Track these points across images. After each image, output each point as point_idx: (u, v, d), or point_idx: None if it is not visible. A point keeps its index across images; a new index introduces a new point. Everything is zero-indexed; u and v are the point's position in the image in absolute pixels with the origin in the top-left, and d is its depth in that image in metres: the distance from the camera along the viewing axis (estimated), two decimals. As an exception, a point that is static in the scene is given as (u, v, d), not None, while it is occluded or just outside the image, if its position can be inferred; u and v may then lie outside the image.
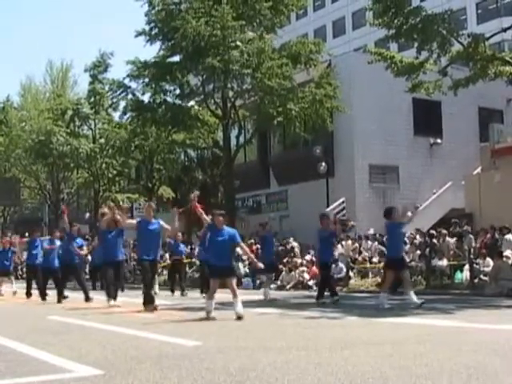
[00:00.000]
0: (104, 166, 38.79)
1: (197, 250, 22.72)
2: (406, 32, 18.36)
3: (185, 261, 21.92)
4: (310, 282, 21.67)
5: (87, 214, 46.52)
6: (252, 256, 13.19)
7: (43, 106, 47.12)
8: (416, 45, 18.74)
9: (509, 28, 20.24)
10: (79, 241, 18.14)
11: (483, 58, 18.50)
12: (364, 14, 28.01)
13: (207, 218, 11.38)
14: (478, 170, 26.59)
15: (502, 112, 32.39)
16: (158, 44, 28.87)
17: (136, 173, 43.12)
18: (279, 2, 28.29)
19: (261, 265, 12.37)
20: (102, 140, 40.34)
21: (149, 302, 12.44)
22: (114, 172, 39.57)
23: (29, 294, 18.67)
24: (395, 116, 29.50)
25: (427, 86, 19.48)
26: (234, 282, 10.81)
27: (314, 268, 22.02)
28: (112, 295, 14.08)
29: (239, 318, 10.10)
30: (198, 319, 10.56)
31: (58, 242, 17.94)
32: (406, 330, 8.84)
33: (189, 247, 25.53)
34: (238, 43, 26.45)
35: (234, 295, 10.42)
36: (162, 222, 12.98)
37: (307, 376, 5.16)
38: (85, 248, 19.87)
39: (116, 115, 35.15)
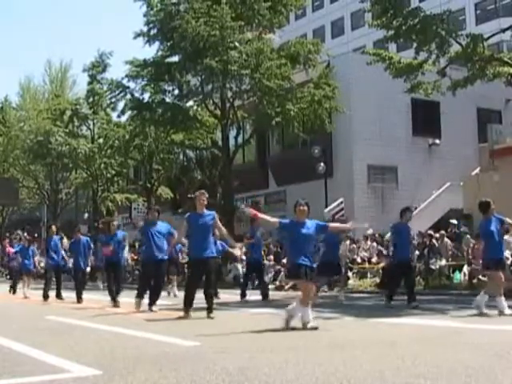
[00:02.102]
0: (103, 166, 38.76)
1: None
2: (405, 33, 18.39)
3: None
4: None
5: (86, 214, 46.51)
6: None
7: (42, 106, 47.08)
8: (415, 45, 18.77)
9: (507, 29, 20.27)
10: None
11: (482, 58, 18.53)
12: (363, 14, 28.07)
13: (273, 219, 9.44)
14: (477, 170, 26.60)
15: (501, 112, 32.44)
16: (156, 44, 28.91)
17: (135, 173, 43.13)
18: (278, 2, 28.31)
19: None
20: (101, 140, 40.34)
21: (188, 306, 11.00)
22: (113, 172, 39.55)
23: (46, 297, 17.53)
24: (394, 116, 29.53)
25: (426, 86, 19.51)
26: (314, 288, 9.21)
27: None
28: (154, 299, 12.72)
29: (309, 327, 8.59)
30: (197, 319, 10.55)
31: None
32: (404, 330, 8.85)
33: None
34: (237, 44, 26.45)
35: (304, 301, 8.78)
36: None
37: (306, 376, 5.17)
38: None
39: (114, 115, 35.09)
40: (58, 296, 17.47)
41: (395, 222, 13.52)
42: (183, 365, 5.88)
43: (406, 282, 13.27)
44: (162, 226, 12.87)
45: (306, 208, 8.98)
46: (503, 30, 20.83)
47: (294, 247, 8.92)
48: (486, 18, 52.32)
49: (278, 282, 22.01)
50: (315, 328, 8.47)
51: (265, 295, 15.85)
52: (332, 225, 9.91)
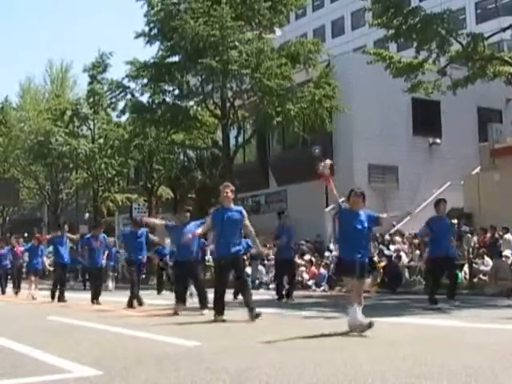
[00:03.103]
0: (103, 166, 38.76)
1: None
2: (405, 32, 18.41)
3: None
4: (310, 282, 21.70)
5: (86, 215, 46.54)
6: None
7: (42, 107, 47.10)
8: (415, 45, 18.78)
9: (508, 28, 20.27)
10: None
11: (482, 57, 18.54)
12: (363, 13, 28.04)
13: (336, 197, 8.51)
14: (477, 169, 26.60)
15: (501, 112, 32.39)
16: (157, 44, 28.91)
17: (135, 173, 43.12)
18: (278, 2, 28.27)
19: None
20: (101, 140, 40.34)
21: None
22: (113, 172, 39.55)
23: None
24: (394, 116, 29.50)
25: (426, 85, 19.53)
26: (366, 283, 8.43)
27: (313, 268, 22.06)
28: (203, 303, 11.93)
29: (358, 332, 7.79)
30: (197, 319, 10.55)
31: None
32: (404, 329, 8.84)
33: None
34: (237, 43, 26.45)
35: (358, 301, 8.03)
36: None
37: (307, 376, 5.16)
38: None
39: (115, 115, 35.10)
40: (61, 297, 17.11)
41: (431, 216, 12.73)
42: (184, 365, 5.87)
43: (447, 277, 12.67)
44: (193, 226, 11.85)
45: (361, 198, 8.32)
46: (503, 29, 20.84)
47: (346, 239, 8.24)
48: (487, 17, 52.29)
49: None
50: (365, 329, 7.67)
51: (289, 294, 15.53)
52: (383, 216, 9.05)
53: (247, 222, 10.48)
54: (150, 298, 16.30)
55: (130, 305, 13.72)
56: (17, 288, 21.63)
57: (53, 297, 17.26)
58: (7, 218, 52.75)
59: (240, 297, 15.07)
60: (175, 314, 11.53)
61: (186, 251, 11.73)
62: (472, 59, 18.65)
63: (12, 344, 7.67)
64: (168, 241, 16.59)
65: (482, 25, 48.37)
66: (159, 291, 20.96)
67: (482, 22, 51.88)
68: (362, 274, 7.97)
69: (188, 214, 12.18)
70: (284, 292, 15.88)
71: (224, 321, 9.93)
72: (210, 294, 11.85)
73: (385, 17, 18.45)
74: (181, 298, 11.98)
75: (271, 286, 21.74)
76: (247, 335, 8.38)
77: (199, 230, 10.94)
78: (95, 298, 15.69)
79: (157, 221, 13.99)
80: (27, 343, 7.59)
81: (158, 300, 16.46)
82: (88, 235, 17.71)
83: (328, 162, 8.45)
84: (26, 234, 25.54)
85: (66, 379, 5.33)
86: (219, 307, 10.18)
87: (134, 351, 6.92)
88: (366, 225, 8.17)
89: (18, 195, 46.25)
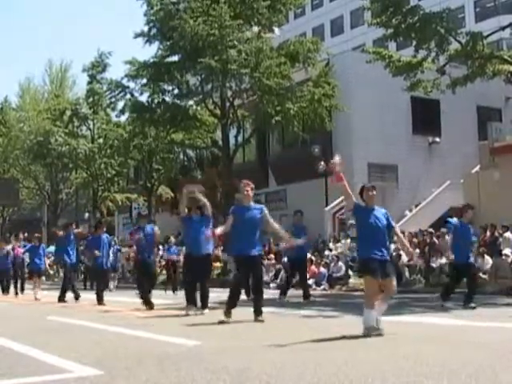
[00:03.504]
0: (103, 166, 38.76)
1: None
2: (404, 31, 18.41)
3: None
4: (310, 281, 21.68)
5: (86, 214, 46.51)
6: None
7: (42, 107, 47.10)
8: (414, 43, 18.78)
9: (507, 26, 20.29)
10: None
11: (481, 56, 18.54)
12: (362, 12, 28.06)
13: (351, 196, 8.18)
14: (477, 168, 26.61)
15: (501, 110, 32.39)
16: (156, 44, 28.92)
17: (135, 173, 43.13)
18: (277, 1, 28.25)
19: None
20: (101, 140, 40.34)
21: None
22: (113, 172, 39.55)
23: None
24: (394, 115, 29.50)
25: (425, 84, 19.53)
26: (394, 282, 7.88)
27: (313, 267, 22.06)
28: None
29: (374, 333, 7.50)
30: (198, 318, 10.54)
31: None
32: (405, 328, 8.83)
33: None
34: (236, 43, 26.44)
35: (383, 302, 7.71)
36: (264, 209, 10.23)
37: (307, 376, 5.16)
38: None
39: (114, 115, 35.12)
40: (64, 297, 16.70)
41: (455, 222, 12.66)
42: (185, 365, 5.87)
43: (467, 283, 12.53)
44: (203, 221, 11.53)
45: (375, 191, 8.05)
46: (503, 28, 20.86)
47: (365, 237, 7.85)
48: (486, 15, 52.25)
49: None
50: (379, 333, 7.42)
51: (306, 295, 15.20)
52: (397, 230, 8.65)
53: (270, 219, 10.06)
54: (153, 297, 16.24)
55: (147, 303, 13.08)
56: (19, 290, 21.39)
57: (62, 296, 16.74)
58: (7, 218, 52.75)
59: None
60: (187, 315, 11.14)
61: (201, 246, 11.28)
62: (471, 58, 18.66)
63: (12, 344, 7.66)
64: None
65: (481, 23, 48.32)
66: (174, 290, 20.55)
67: (481, 20, 51.83)
68: (386, 274, 7.58)
69: (199, 211, 11.69)
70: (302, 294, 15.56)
71: (224, 322, 9.64)
72: (212, 294, 11.83)
73: (384, 16, 18.46)
74: (191, 300, 11.46)
75: (271, 285, 21.78)
76: (247, 335, 8.38)
77: (219, 230, 10.39)
78: (100, 300, 15.14)
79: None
80: (27, 343, 7.59)
81: (158, 299, 16.44)
82: (90, 236, 17.35)
83: (337, 158, 8.24)
84: (25, 234, 25.47)
85: (67, 379, 5.33)
86: (230, 308, 9.74)
87: (135, 351, 6.92)
88: (384, 222, 7.89)
89: (18, 195, 46.22)
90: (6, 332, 8.98)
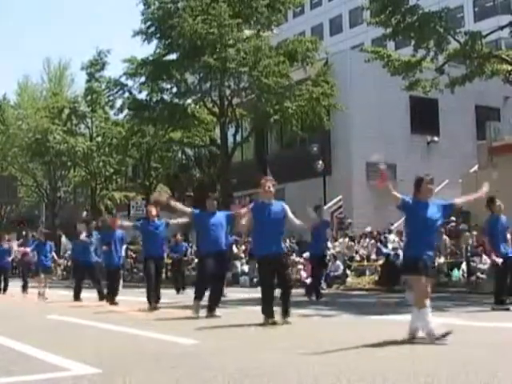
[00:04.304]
0: (101, 164, 38.77)
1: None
2: (403, 30, 18.43)
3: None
4: (308, 280, 21.65)
5: (84, 213, 46.50)
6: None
7: (40, 105, 47.04)
8: (413, 43, 18.79)
9: (506, 26, 20.27)
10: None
11: (480, 55, 18.55)
12: (361, 12, 28.08)
13: (397, 193, 7.62)
14: (475, 167, 26.61)
15: (499, 110, 32.41)
16: (154, 42, 28.91)
17: (133, 171, 43.14)
18: (276, 0, 28.29)
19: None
20: (99, 138, 40.33)
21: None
22: (111, 170, 39.56)
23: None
24: (392, 114, 29.52)
25: (424, 83, 19.55)
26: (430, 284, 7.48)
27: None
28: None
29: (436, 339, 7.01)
30: (198, 318, 10.51)
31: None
32: (404, 328, 8.82)
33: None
34: (235, 41, 26.44)
35: (420, 303, 7.33)
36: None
37: (307, 376, 5.16)
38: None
39: (112, 113, 35.11)
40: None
41: (487, 217, 12.23)
42: (183, 363, 5.87)
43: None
44: (220, 216, 10.90)
45: (433, 186, 7.60)
46: (501, 28, 20.85)
47: (414, 234, 7.36)
48: (485, 15, 52.28)
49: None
50: (444, 336, 6.96)
51: (319, 294, 15.09)
52: (458, 200, 8.18)
53: (291, 215, 9.46)
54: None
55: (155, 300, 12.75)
56: (25, 289, 21.07)
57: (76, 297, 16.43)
58: (5, 216, 52.70)
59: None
60: (196, 316, 10.60)
61: (217, 243, 10.63)
62: (470, 57, 18.67)
63: (11, 342, 7.65)
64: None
65: (479, 23, 48.34)
66: (178, 290, 20.32)
67: (479, 20, 51.86)
68: (428, 273, 7.19)
69: (215, 203, 11.00)
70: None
71: (275, 323, 9.04)
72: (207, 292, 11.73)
73: (383, 15, 18.47)
74: (200, 298, 10.77)
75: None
76: (246, 334, 8.37)
77: (245, 218, 9.82)
78: (112, 299, 14.68)
79: (185, 208, 11.66)
80: (26, 342, 7.58)
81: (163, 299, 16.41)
82: (98, 235, 16.79)
83: (383, 165, 7.80)
84: (23, 233, 25.42)
85: (65, 377, 5.32)
86: (270, 309, 9.12)
87: (133, 350, 6.91)
88: (438, 216, 7.39)
89: (17, 193, 46.21)
90: (5, 330, 8.97)
